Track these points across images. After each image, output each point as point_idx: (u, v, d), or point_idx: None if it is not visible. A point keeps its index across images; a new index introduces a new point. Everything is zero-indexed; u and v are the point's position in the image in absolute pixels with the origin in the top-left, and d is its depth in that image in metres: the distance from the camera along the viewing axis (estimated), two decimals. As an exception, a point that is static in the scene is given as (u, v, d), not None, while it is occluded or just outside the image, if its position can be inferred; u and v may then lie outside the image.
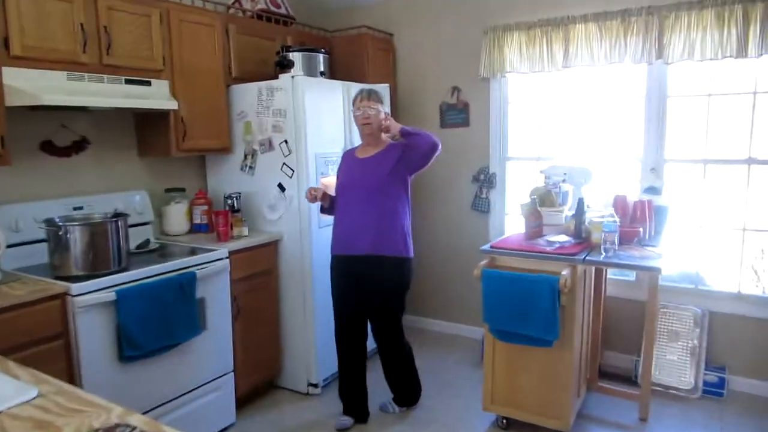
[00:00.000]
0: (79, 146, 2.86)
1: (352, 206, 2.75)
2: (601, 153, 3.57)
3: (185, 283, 2.58)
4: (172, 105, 2.83)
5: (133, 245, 2.89)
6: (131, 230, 2.99)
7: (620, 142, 3.52)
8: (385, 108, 2.81)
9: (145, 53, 2.77)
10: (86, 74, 2.53)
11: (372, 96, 2.75)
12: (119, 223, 2.45)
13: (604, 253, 2.67)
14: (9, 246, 2.51)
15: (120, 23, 2.65)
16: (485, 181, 3.86)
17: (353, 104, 2.79)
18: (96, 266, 2.37)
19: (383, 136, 2.79)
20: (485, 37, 3.64)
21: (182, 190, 3.27)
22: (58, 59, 2.43)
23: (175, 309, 2.53)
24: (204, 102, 3.10)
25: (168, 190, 3.23)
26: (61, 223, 2.35)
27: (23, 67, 2.32)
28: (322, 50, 3.39)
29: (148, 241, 2.95)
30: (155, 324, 2.46)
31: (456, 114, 3.92)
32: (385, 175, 2.71)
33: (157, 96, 2.82)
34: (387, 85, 3.70)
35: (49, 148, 2.74)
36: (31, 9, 2.32)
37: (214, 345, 2.83)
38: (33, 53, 2.34)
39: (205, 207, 3.25)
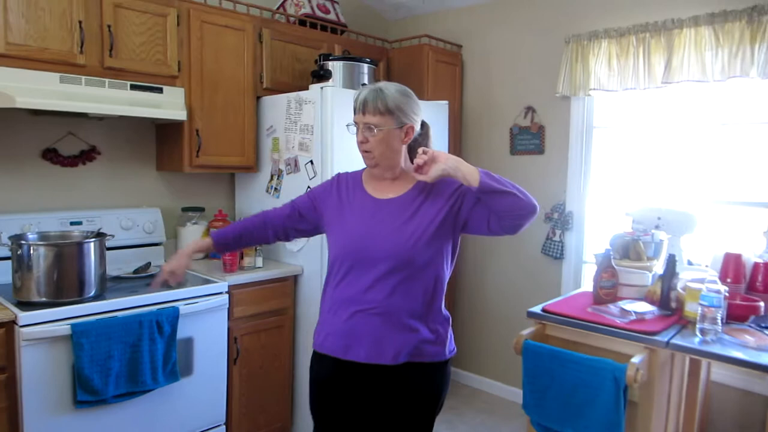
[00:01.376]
0: (87, 156, 2.64)
1: (363, 282, 1.61)
2: (709, 194, 2.76)
3: (163, 321, 2.21)
4: (180, 115, 2.52)
5: (131, 268, 2.60)
6: (137, 251, 2.72)
7: (738, 180, 2.69)
8: (409, 119, 1.62)
9: (156, 57, 2.49)
10: (83, 77, 2.28)
11: (370, 104, 1.59)
12: (91, 245, 2.14)
13: (699, 336, 1.92)
14: (-11, 260, 2.31)
15: (127, 23, 2.39)
16: (560, 220, 3.17)
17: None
18: (60, 293, 2.07)
19: (415, 175, 1.61)
20: (567, 48, 3.00)
21: (201, 209, 2.95)
22: (49, 59, 2.20)
23: (148, 350, 2.16)
24: (226, 114, 2.77)
25: (185, 209, 2.93)
26: (23, 241, 2.08)
27: (8, 66, 2.10)
28: (368, 60, 2.95)
29: (148, 265, 2.64)
30: (119, 366, 2.10)
31: (529, 139, 3.28)
32: (428, 238, 1.58)
33: (167, 105, 2.52)
34: (446, 102, 3.18)
35: (52, 156, 2.54)
36: (21, 3, 2.11)
37: (201, 393, 2.42)
38: (19, 52, 2.12)
39: (223, 231, 2.90)
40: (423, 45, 3.34)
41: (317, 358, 1.71)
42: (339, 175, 1.83)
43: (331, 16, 3.20)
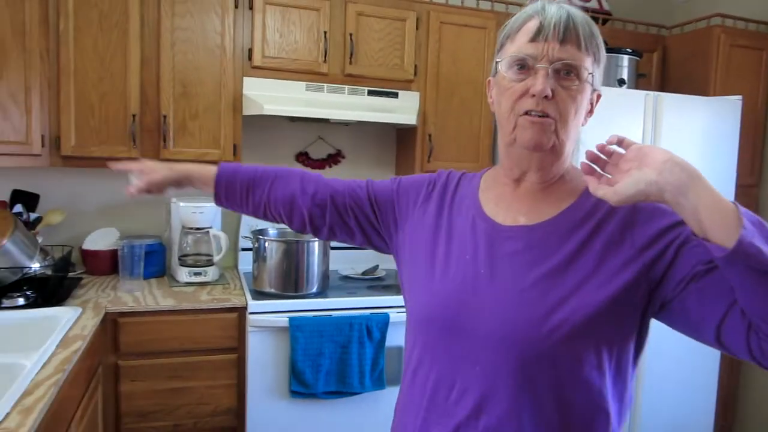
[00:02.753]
0: (333, 159, 2.81)
1: (450, 381, 0.87)
2: None
3: (373, 326, 2.19)
4: (411, 120, 2.48)
5: (361, 269, 2.68)
6: (370, 253, 2.73)
7: None
8: (601, 79, 0.89)
9: (393, 62, 2.50)
10: (326, 85, 2.42)
11: (581, 29, 0.83)
12: (315, 244, 2.25)
13: None
14: (246, 249, 2.63)
15: (368, 30, 2.45)
16: None
17: (503, 42, 0.89)
18: (286, 286, 2.23)
19: (588, 182, 0.80)
20: None
21: (434, 216, 2.88)
22: (296, 69, 2.38)
23: (357, 352, 2.17)
24: (461, 117, 2.63)
25: (419, 215, 2.90)
26: (261, 236, 2.29)
27: (263, 77, 2.35)
28: (628, 51, 2.47)
29: (376, 268, 2.69)
30: (329, 364, 2.15)
31: None
32: (586, 319, 0.80)
33: (401, 110, 2.51)
34: (738, 98, 2.47)
35: (304, 159, 2.77)
36: (277, 20, 2.33)
37: (409, 406, 2.34)
38: (273, 64, 2.35)
39: (452, 240, 2.78)
40: (713, 27, 2.66)
41: None
42: (449, 173, 1.06)
43: (592, 4, 2.79)
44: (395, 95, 2.51)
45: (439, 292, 0.91)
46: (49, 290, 1.98)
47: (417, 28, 2.51)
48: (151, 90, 2.23)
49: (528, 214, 0.90)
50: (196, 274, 2.34)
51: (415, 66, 2.53)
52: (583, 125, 0.89)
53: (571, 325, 0.79)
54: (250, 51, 2.32)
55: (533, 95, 0.82)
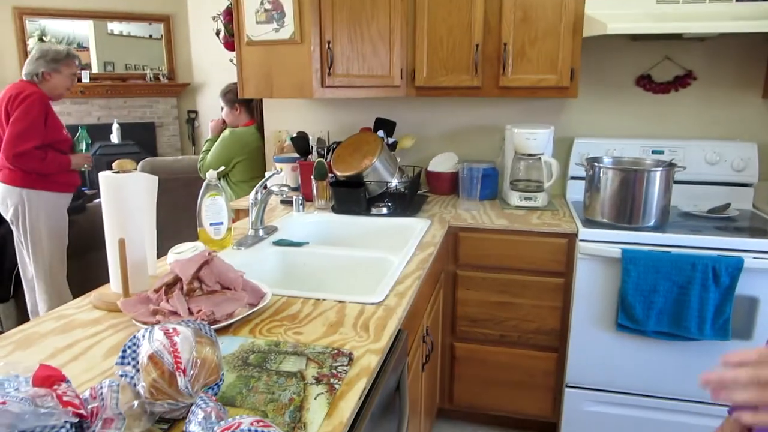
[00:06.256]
0: (681, 82, 2.49)
1: None
2: None
3: (722, 269, 1.94)
4: (794, 26, 2.00)
5: (707, 207, 2.37)
6: (719, 189, 2.47)
7: None
8: None
9: (777, -45, 2.04)
10: (682, -6, 2.13)
11: None
12: (657, 175, 2.06)
13: None
14: (575, 178, 2.59)
15: None
16: None
17: None
18: (619, 217, 2.13)
19: None
20: None
21: (814, 149, 2.34)
22: (647, -20, 2.15)
23: (697, 296, 1.97)
24: None
25: (792, 147, 2.39)
26: (596, 164, 2.20)
27: (608, -6, 2.19)
28: None
29: (727, 206, 2.34)
30: (662, 303, 2.01)
31: None
32: None
33: (782, 15, 2.05)
34: None
35: (645, 83, 2.53)
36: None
37: (759, 365, 2.04)
38: (620, -23, 2.17)
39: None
40: None
41: None
42: None
43: None
44: (774, -2, 2.06)
45: None
46: (404, 203, 2.32)
47: None
48: (493, 19, 2.31)
49: None
50: (526, 198, 2.42)
51: (810, -43, 2.02)
52: None
53: None
54: (596, -34, 2.18)
55: None
